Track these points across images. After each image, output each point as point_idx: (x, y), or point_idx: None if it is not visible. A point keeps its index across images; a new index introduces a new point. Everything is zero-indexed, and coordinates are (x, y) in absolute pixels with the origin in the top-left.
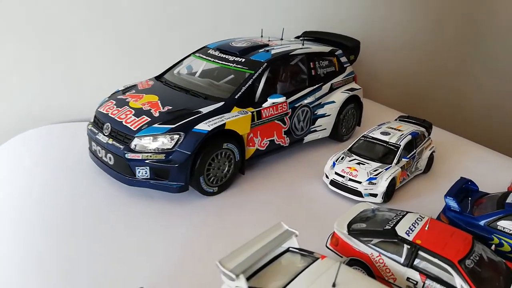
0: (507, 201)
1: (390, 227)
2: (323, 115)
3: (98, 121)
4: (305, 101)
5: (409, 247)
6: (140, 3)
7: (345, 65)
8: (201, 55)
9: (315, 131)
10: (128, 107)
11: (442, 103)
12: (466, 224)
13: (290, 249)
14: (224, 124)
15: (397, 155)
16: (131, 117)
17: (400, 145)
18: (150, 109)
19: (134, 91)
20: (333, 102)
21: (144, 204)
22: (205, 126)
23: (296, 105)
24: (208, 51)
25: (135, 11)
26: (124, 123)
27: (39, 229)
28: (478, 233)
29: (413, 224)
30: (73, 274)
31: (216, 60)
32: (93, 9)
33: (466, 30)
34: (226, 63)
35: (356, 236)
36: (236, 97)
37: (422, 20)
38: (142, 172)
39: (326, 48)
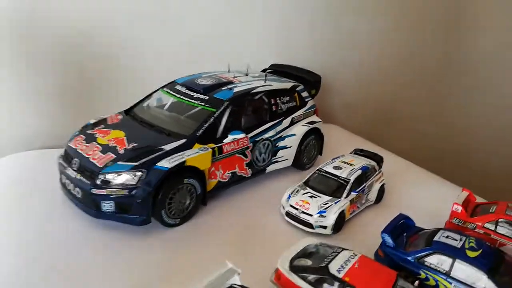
0: (434, 239)
1: (324, 264)
2: (284, 147)
3: (68, 156)
4: (266, 135)
5: (339, 283)
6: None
7: (306, 100)
8: (168, 90)
9: (277, 161)
10: (95, 143)
11: (404, 127)
12: (399, 259)
13: (233, 286)
14: (185, 161)
15: (346, 189)
16: (97, 153)
17: (350, 180)
18: (116, 146)
19: (103, 125)
20: (294, 135)
21: (107, 235)
22: (166, 163)
23: (257, 139)
24: (175, 87)
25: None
26: (91, 159)
27: (4, 257)
28: (409, 268)
29: (346, 261)
30: None
31: (181, 97)
32: None
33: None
34: (191, 100)
35: (296, 272)
36: (198, 134)
37: (389, 48)
38: (107, 206)
39: (287, 85)
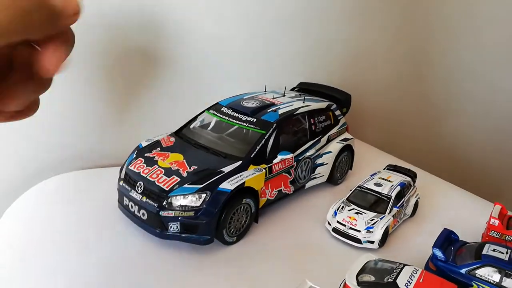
0: (482, 252)
1: (392, 280)
2: (322, 164)
3: (130, 179)
4: (307, 154)
5: None
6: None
7: (339, 118)
8: (215, 113)
9: (315, 178)
10: (157, 166)
11: (420, 140)
12: (450, 272)
13: None
14: (244, 182)
15: (389, 205)
16: (162, 176)
17: (392, 196)
18: (179, 169)
19: (159, 148)
20: (330, 152)
21: (166, 254)
22: (228, 185)
23: (300, 158)
24: (222, 109)
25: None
26: (156, 182)
27: (63, 277)
28: (461, 280)
29: (410, 276)
30: None
31: (230, 119)
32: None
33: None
34: (240, 123)
35: (364, 287)
36: (252, 156)
37: (406, 65)
38: (173, 227)
39: (323, 105)
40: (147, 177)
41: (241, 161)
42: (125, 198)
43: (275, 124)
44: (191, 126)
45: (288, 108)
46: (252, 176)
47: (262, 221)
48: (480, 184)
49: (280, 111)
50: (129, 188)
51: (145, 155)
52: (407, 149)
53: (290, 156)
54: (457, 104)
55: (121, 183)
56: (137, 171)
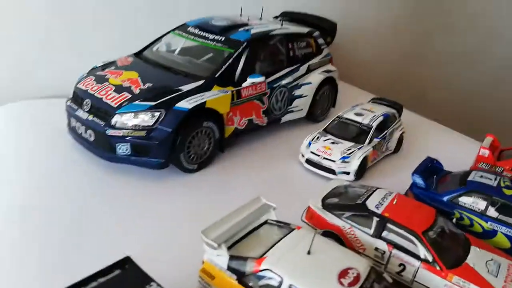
0: (468, 178)
1: (361, 202)
2: (300, 96)
3: (78, 97)
4: (283, 82)
5: (378, 219)
6: None
7: (322, 47)
8: (180, 32)
9: (292, 111)
10: (108, 83)
11: (415, 87)
12: (431, 200)
13: (268, 221)
14: (205, 102)
15: (369, 135)
16: (111, 93)
17: (373, 126)
18: (131, 86)
19: (113, 67)
20: (310, 83)
21: (124, 181)
22: (186, 104)
23: (275, 85)
24: (188, 29)
25: None
26: (104, 99)
27: (17, 208)
28: (442, 208)
29: (382, 199)
30: (60, 248)
31: (196, 38)
32: None
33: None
34: (206, 41)
35: (330, 210)
36: (216, 75)
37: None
38: (122, 149)
39: (304, 29)
40: (95, 94)
41: (203, 81)
42: (72, 119)
43: (245, 43)
44: (154, 49)
45: (262, 29)
46: (215, 96)
47: (230, 151)
48: (472, 126)
49: (252, 31)
50: (75, 107)
51: (97, 73)
52: (402, 95)
53: (261, 79)
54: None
55: (69, 102)
56: (85, 88)
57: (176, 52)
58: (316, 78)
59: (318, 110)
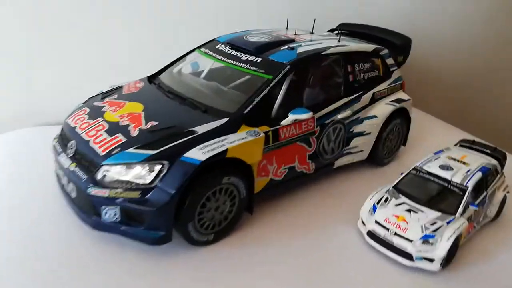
0: None
1: None
2: (360, 134)
3: (63, 137)
4: (339, 116)
5: None
6: None
7: (391, 69)
8: (206, 51)
9: (349, 153)
10: (101, 120)
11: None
12: None
13: None
14: (226, 150)
15: (463, 201)
16: (102, 134)
17: (468, 187)
18: (129, 125)
19: (116, 96)
20: (375, 117)
21: (112, 251)
22: (198, 154)
23: (327, 121)
24: (217, 46)
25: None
26: (91, 143)
27: None
28: None
29: None
30: None
31: (225, 59)
32: None
33: None
34: (237, 63)
35: None
36: (245, 111)
37: (484, 12)
38: (110, 214)
39: (368, 47)
40: (82, 135)
41: (227, 118)
42: (56, 165)
43: (288, 66)
44: (175, 70)
45: (313, 47)
46: (241, 141)
47: (262, 211)
48: None
49: (299, 50)
50: (60, 150)
51: (94, 104)
52: (487, 127)
53: (308, 116)
54: None
55: (55, 141)
56: (73, 125)
57: (201, 76)
58: (383, 110)
59: (384, 150)
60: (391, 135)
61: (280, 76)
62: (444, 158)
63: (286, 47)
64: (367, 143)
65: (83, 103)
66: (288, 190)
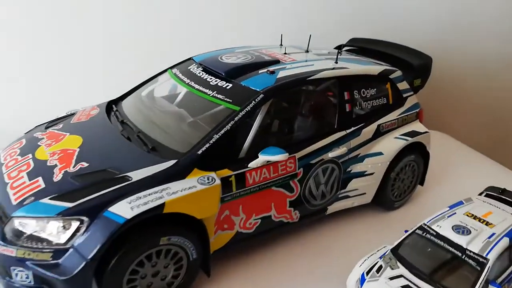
0: None
1: None
2: (361, 174)
3: None
4: (330, 155)
5: None
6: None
7: (404, 94)
8: (176, 72)
9: (347, 197)
10: (30, 157)
11: None
12: None
13: None
14: (163, 205)
15: (480, 278)
16: (22, 177)
17: (488, 260)
18: (56, 165)
19: (62, 125)
20: (380, 154)
21: None
22: (125, 209)
23: (313, 161)
24: (189, 67)
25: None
26: (9, 187)
27: None
28: None
29: None
30: None
31: (192, 83)
32: None
33: None
34: (203, 89)
35: None
36: (200, 151)
37: None
38: (21, 276)
39: (374, 69)
40: (4, 175)
41: (175, 161)
42: None
43: (261, 95)
44: (143, 93)
45: (300, 70)
46: (187, 192)
47: (223, 271)
48: None
49: (281, 74)
50: None
51: (34, 134)
52: None
53: (282, 157)
54: None
55: None
56: (2, 161)
57: (175, 102)
58: (391, 145)
59: (393, 192)
60: (402, 175)
61: (249, 107)
62: (462, 215)
63: (266, 70)
64: (371, 185)
65: (26, 133)
66: (265, 240)
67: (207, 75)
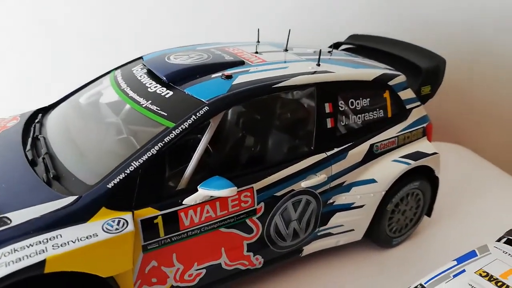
0: None
1: None
2: (347, 207)
3: None
4: (304, 184)
5: None
6: None
7: (408, 106)
8: (116, 75)
9: (330, 234)
10: None
11: None
12: None
13: None
14: (43, 262)
15: None
16: None
17: None
18: None
19: None
20: (373, 181)
21: None
22: None
23: (279, 193)
24: (133, 69)
25: None
26: None
27: None
28: None
29: None
30: None
31: (127, 89)
32: None
33: None
34: (137, 98)
35: None
36: (110, 184)
37: None
38: None
39: (368, 73)
40: None
41: (75, 198)
42: None
43: (205, 108)
44: (82, 99)
45: (267, 74)
46: (82, 244)
47: None
48: None
49: (239, 79)
50: None
51: None
52: None
53: (228, 192)
54: None
55: None
56: None
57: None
58: (387, 170)
59: (391, 227)
60: (403, 206)
61: (187, 123)
62: (472, 275)
63: (220, 74)
64: (361, 220)
65: None
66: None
67: (149, 79)
